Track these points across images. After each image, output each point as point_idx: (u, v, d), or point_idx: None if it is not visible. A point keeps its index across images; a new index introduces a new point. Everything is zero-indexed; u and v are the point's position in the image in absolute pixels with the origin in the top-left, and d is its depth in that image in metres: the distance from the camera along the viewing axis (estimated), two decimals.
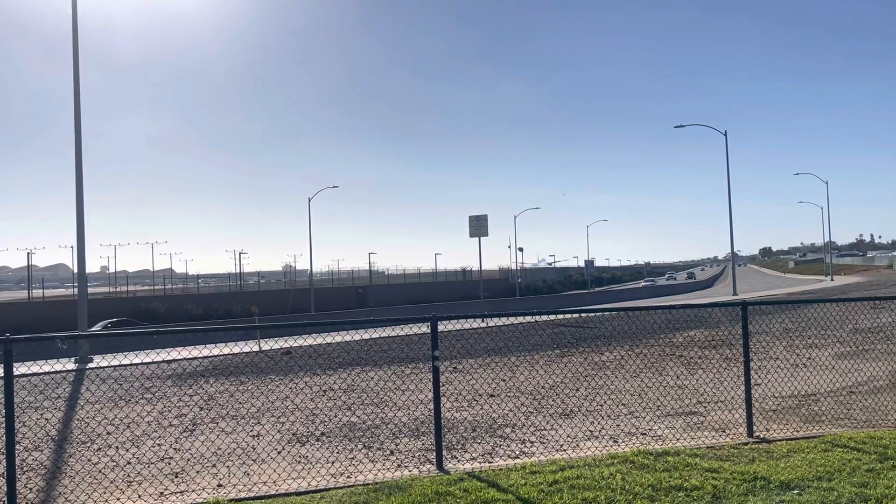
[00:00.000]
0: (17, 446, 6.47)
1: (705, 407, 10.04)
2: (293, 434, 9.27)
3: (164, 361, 17.63)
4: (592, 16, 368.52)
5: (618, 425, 9.05)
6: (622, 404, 10.36)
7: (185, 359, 17.84)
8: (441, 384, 7.57)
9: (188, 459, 8.21)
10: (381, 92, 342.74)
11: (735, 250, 61.84)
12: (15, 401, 6.28)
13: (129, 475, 7.61)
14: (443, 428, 7.66)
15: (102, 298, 61.55)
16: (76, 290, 24.25)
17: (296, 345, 20.54)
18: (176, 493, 6.90)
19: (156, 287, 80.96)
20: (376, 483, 6.67)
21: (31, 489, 7.28)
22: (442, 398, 7.66)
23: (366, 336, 22.44)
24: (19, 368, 14.48)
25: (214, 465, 7.87)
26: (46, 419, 10.92)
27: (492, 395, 11.52)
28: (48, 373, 16.43)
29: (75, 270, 26.08)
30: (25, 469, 8.02)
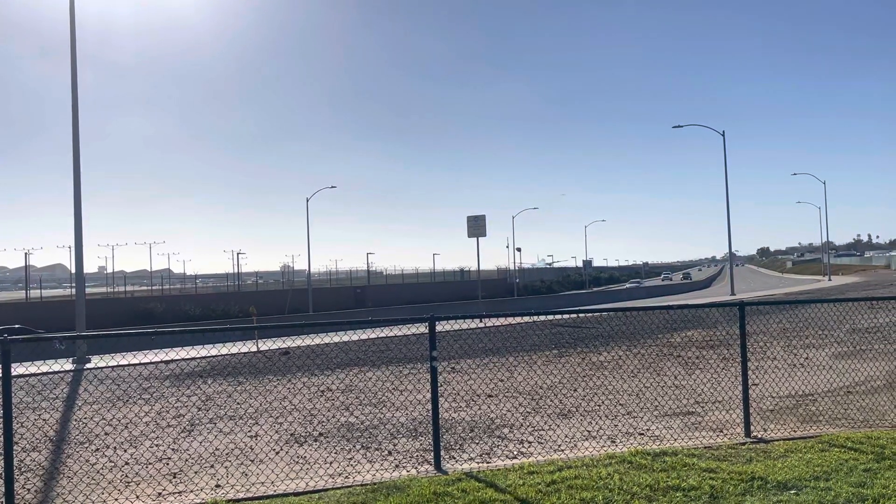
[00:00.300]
0: (14, 447, 6.46)
1: (703, 407, 10.05)
2: (291, 434, 9.27)
3: (161, 362, 17.62)
4: (591, 17, 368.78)
5: (616, 425, 9.06)
6: (620, 404, 10.36)
7: (182, 359, 17.83)
8: (439, 384, 7.57)
9: (186, 460, 8.21)
10: (380, 92, 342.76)
11: (733, 250, 61.95)
12: (13, 401, 6.28)
13: (127, 476, 7.60)
14: (441, 428, 7.67)
15: (100, 299, 61.55)
16: (74, 290, 24.22)
17: (294, 345, 20.53)
18: (174, 493, 6.90)
19: (154, 287, 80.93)
20: (374, 483, 6.68)
21: (28, 490, 7.28)
22: (440, 398, 7.67)
23: (364, 336, 22.44)
24: (17, 369, 14.46)
25: (212, 466, 7.87)
26: (44, 420, 10.92)
27: (490, 396, 11.53)
28: (46, 373, 16.42)
29: (73, 271, 26.06)
30: (23, 470, 8.01)
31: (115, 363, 14.99)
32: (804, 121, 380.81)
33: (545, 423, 9.39)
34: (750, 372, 8.93)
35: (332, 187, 79.96)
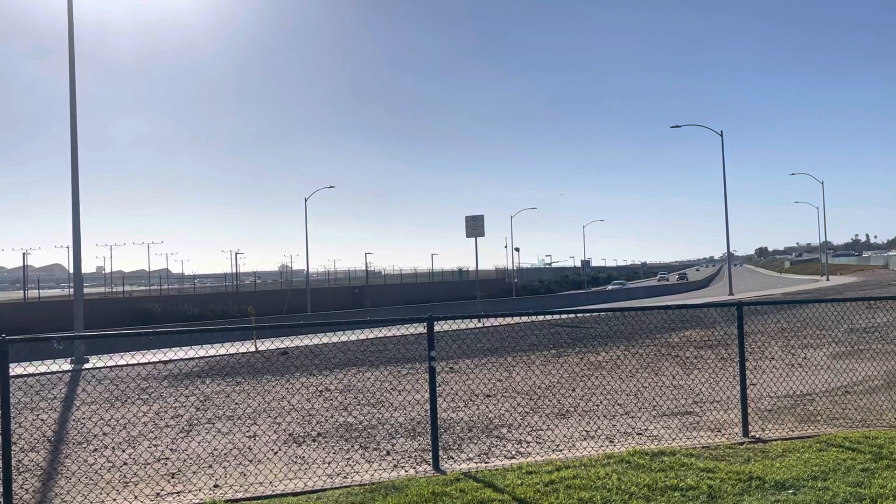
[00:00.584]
0: (13, 447, 6.46)
1: (701, 407, 10.06)
2: (289, 434, 9.27)
3: (160, 362, 17.60)
4: (589, 16, 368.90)
5: (614, 425, 9.06)
6: (618, 404, 10.37)
7: (181, 359, 17.81)
8: (437, 384, 7.58)
9: (184, 460, 8.20)
10: (378, 92, 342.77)
11: (731, 250, 61.97)
12: (11, 401, 6.28)
13: (125, 476, 7.60)
14: (439, 428, 7.67)
15: (98, 299, 61.49)
16: (72, 290, 24.19)
17: (292, 345, 20.52)
18: (172, 493, 6.90)
19: (152, 287, 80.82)
20: (373, 483, 6.68)
21: (27, 490, 7.27)
22: (438, 398, 7.67)
23: (362, 336, 22.43)
24: (15, 369, 14.45)
25: (211, 466, 7.87)
26: (42, 420, 10.91)
27: (488, 396, 11.53)
28: (44, 373, 16.40)
29: (71, 271, 26.02)
30: (21, 470, 8.01)
31: (114, 363, 14.97)
32: (802, 121, 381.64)
33: (543, 423, 9.39)
34: (748, 372, 8.94)
35: (331, 187, 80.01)
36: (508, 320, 25.94)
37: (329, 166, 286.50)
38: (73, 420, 11.02)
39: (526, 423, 9.39)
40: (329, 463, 7.73)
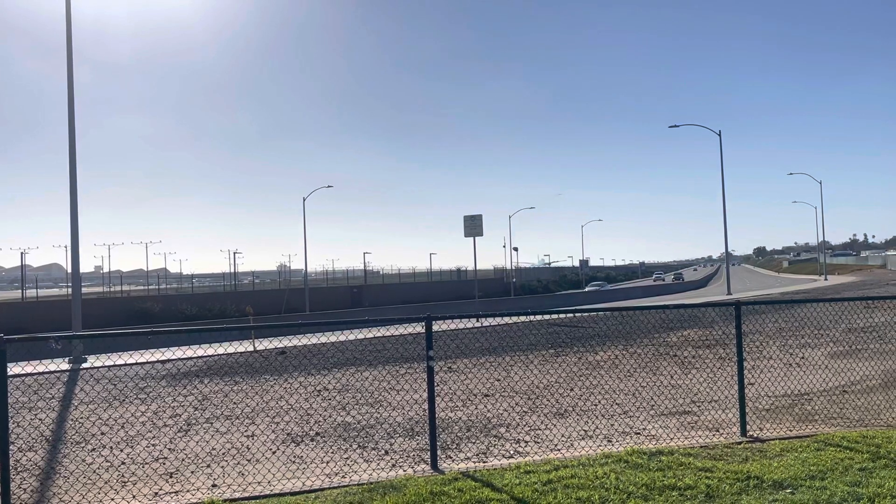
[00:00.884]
0: (10, 446, 6.45)
1: (699, 406, 10.07)
2: (288, 434, 9.27)
3: (158, 361, 17.59)
4: (588, 15, 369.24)
5: (612, 425, 9.07)
6: (616, 404, 10.38)
7: (179, 359, 17.80)
8: (436, 384, 7.58)
9: (183, 459, 8.20)
10: (376, 91, 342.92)
11: (729, 250, 62.04)
12: (9, 401, 6.27)
13: (123, 475, 7.60)
14: (437, 428, 7.67)
15: (96, 298, 61.40)
16: (70, 289, 24.17)
17: (290, 345, 20.52)
18: (170, 493, 6.90)
19: (150, 287, 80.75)
20: (371, 483, 6.68)
21: (25, 490, 7.27)
22: (436, 398, 7.67)
23: (360, 336, 22.43)
24: (13, 369, 14.44)
25: (209, 466, 7.87)
26: (40, 419, 10.90)
27: (486, 395, 11.54)
28: (42, 373, 16.39)
29: (69, 270, 26.00)
30: (19, 469, 8.00)
31: (112, 363, 14.98)
32: (801, 120, 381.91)
33: (541, 422, 9.40)
34: (746, 371, 8.95)
35: (329, 187, 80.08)
36: (507, 320, 25.95)
37: (327, 165, 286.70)
38: (71, 419, 11.01)
39: (524, 423, 9.39)
40: (327, 462, 7.73)
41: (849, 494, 5.84)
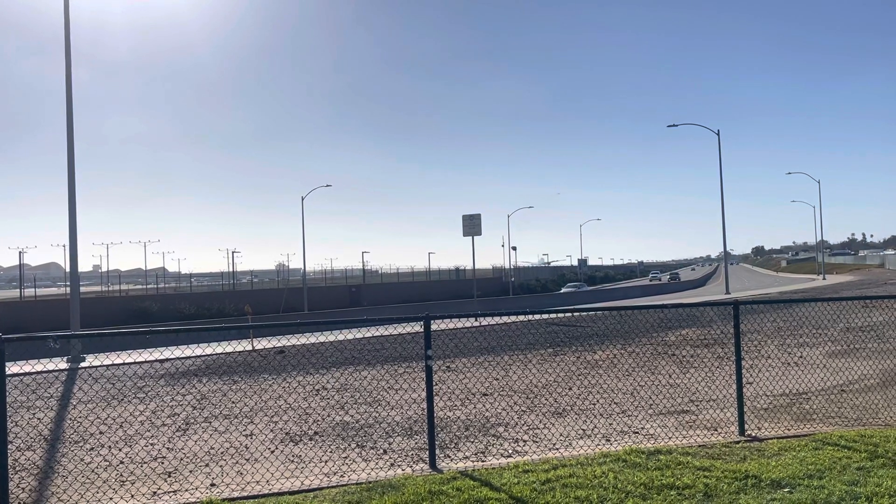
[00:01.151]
0: (9, 446, 6.45)
1: (697, 406, 10.07)
2: (286, 433, 9.27)
3: (156, 361, 17.58)
4: (586, 15, 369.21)
5: (610, 424, 9.08)
6: (615, 403, 10.39)
7: (177, 358, 17.79)
8: (434, 383, 7.58)
9: (181, 459, 8.20)
10: (375, 90, 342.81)
11: (728, 249, 62.07)
12: (7, 400, 6.27)
13: (121, 474, 7.60)
14: (436, 427, 7.67)
15: (95, 298, 61.35)
16: (68, 289, 24.16)
17: (289, 344, 20.51)
18: (169, 492, 6.90)
19: (148, 286, 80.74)
20: (369, 482, 6.68)
21: (23, 489, 7.26)
22: (435, 397, 7.67)
23: (359, 335, 22.44)
24: (11, 368, 14.43)
25: (207, 465, 7.87)
26: (39, 419, 10.89)
27: (485, 394, 11.54)
28: (40, 372, 16.37)
29: (67, 269, 25.98)
30: (18, 469, 8.00)
31: (110, 362, 14.98)
32: (799, 120, 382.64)
33: (540, 421, 9.40)
34: (744, 370, 8.96)
35: (328, 186, 79.82)
36: (505, 319, 25.98)
37: (326, 164, 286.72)
38: (70, 419, 11.01)
39: (523, 422, 9.40)
40: (326, 462, 7.73)
41: (847, 493, 5.85)
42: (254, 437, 9.14)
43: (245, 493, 6.64)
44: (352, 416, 10.24)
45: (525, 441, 8.40)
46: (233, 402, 11.65)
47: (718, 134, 51.55)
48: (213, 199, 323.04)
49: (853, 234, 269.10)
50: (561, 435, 8.55)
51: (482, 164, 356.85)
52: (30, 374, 15.83)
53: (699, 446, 7.51)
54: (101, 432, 9.70)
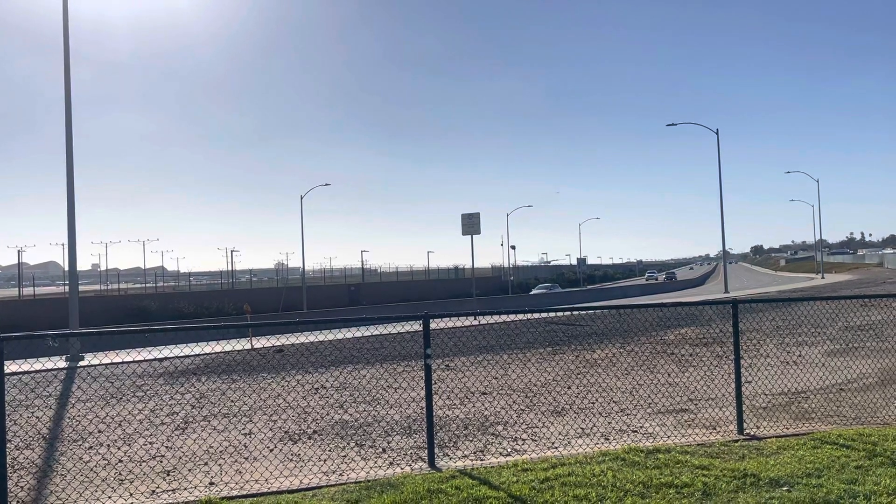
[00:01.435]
0: (7, 444, 6.45)
1: (696, 404, 10.08)
2: (285, 432, 9.27)
3: (155, 359, 17.58)
4: (585, 13, 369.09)
5: (609, 423, 9.08)
6: (614, 402, 10.39)
7: (176, 357, 17.79)
8: (433, 382, 7.58)
9: (180, 457, 8.20)
10: (374, 89, 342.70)
11: (727, 248, 62.11)
12: (6, 399, 6.27)
13: (120, 473, 7.59)
14: (435, 426, 7.67)
15: (93, 296, 61.32)
16: (67, 287, 24.15)
17: (288, 343, 20.50)
18: (168, 491, 6.90)
19: (147, 285, 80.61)
20: (368, 481, 6.68)
21: (22, 487, 7.26)
22: (434, 396, 7.67)
23: (358, 334, 22.44)
24: (10, 366, 14.42)
25: (206, 464, 7.87)
26: (37, 417, 10.89)
27: (484, 393, 11.54)
28: (39, 371, 16.36)
29: (66, 268, 25.97)
30: (16, 467, 8.00)
31: (109, 361, 14.97)
32: (798, 119, 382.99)
33: (539, 420, 9.41)
34: (743, 369, 8.97)
35: (327, 185, 79.71)
36: (504, 318, 25.98)
37: (325, 163, 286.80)
38: (69, 417, 11.01)
39: (521, 421, 9.40)
40: (325, 460, 7.73)
41: (845, 492, 5.85)
42: (253, 435, 9.14)
43: (244, 492, 6.64)
44: (351, 414, 10.24)
45: (524, 440, 8.40)
46: (231, 401, 11.64)
47: (717, 133, 51.60)
48: (213, 198, 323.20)
49: (852, 233, 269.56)
50: (560, 434, 8.55)
51: (481, 162, 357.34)
52: (28, 372, 15.81)
53: (698, 445, 7.52)
54: (99, 431, 9.69)
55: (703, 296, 53.64)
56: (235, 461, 7.91)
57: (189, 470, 7.64)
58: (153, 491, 6.91)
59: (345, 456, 7.94)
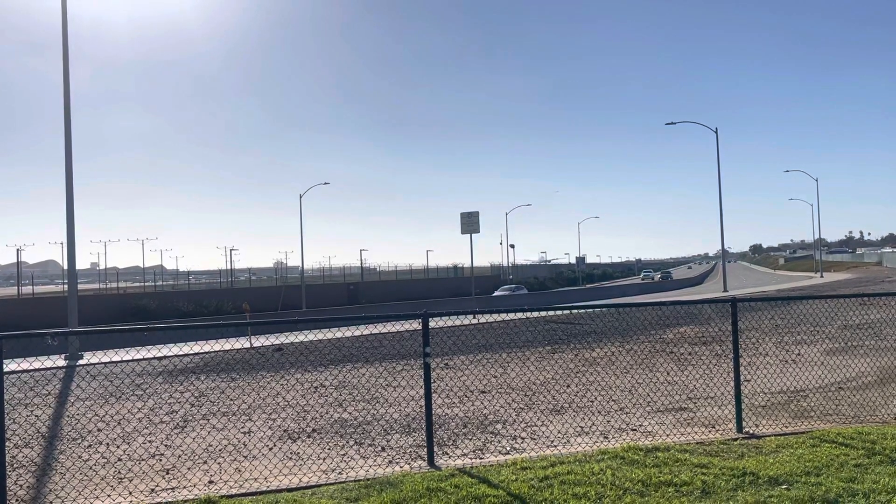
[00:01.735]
0: (7, 443, 6.45)
1: (695, 403, 10.09)
2: (284, 431, 9.27)
3: (154, 358, 17.58)
4: (585, 13, 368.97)
5: (608, 421, 9.09)
6: (613, 400, 10.40)
7: (175, 355, 17.79)
8: (432, 380, 7.58)
9: (179, 456, 8.20)
10: (374, 88, 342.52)
11: (726, 247, 62.15)
12: (5, 397, 6.26)
13: (119, 472, 7.59)
14: (434, 424, 7.67)
15: (92, 295, 61.31)
16: (66, 286, 24.14)
17: (287, 341, 20.50)
18: (167, 489, 6.89)
19: (146, 284, 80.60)
20: (367, 479, 6.68)
21: (21, 486, 7.26)
22: (433, 394, 7.68)
23: (357, 333, 22.44)
24: (9, 365, 14.40)
25: (205, 462, 7.87)
26: (37, 416, 10.89)
27: (483, 392, 11.54)
28: (38, 369, 16.35)
29: (65, 267, 25.96)
30: (16, 466, 8.00)
31: (108, 359, 14.96)
32: (798, 117, 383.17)
33: (538, 419, 9.41)
34: (742, 368, 8.97)
35: (326, 184, 79.58)
36: (503, 317, 25.98)
37: (325, 162, 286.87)
38: (68, 416, 11.01)
39: (521, 419, 9.40)
40: (324, 459, 7.73)
41: (844, 490, 5.86)
42: (252, 434, 9.14)
43: (243, 491, 6.64)
44: (350, 413, 10.25)
45: (523, 438, 8.40)
46: (231, 400, 11.64)
47: (716, 132, 51.61)
48: (212, 197, 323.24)
49: (851, 232, 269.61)
50: (559, 432, 8.55)
51: (481, 161, 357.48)
52: (27, 371, 15.79)
53: (697, 443, 7.52)
54: (98, 429, 9.69)
55: (702, 295, 53.67)
56: (235, 459, 7.91)
57: (188, 468, 7.64)
58: (152, 489, 6.91)
59: (344, 454, 7.94)
